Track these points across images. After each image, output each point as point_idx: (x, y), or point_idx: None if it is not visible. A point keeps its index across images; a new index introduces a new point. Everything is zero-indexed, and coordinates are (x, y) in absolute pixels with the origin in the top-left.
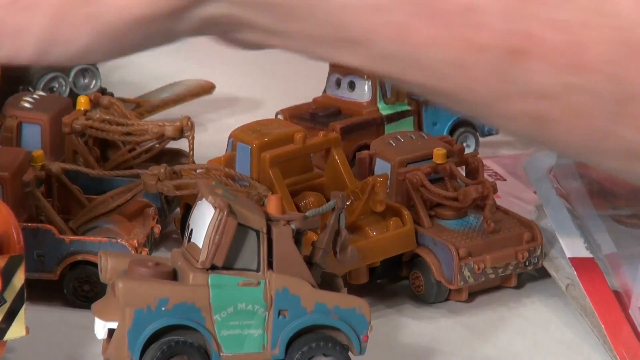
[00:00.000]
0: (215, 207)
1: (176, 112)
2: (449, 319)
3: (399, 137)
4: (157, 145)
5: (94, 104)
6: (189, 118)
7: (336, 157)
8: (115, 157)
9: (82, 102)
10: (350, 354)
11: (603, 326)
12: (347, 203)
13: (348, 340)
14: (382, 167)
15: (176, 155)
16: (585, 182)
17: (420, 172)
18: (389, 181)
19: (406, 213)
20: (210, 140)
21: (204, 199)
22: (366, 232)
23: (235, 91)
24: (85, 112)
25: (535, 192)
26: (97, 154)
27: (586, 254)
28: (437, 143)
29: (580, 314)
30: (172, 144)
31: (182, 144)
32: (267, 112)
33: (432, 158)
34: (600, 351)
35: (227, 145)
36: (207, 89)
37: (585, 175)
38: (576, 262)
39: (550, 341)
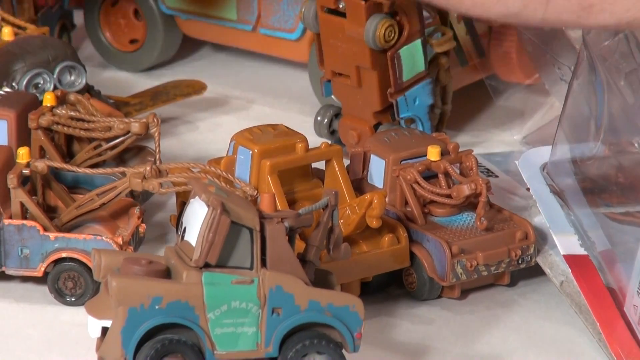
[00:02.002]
0: (208, 205)
1: (166, 111)
2: (442, 316)
3: (393, 134)
4: (123, 142)
5: (61, 100)
6: (154, 114)
7: (337, 169)
8: (81, 154)
9: (49, 98)
10: (344, 351)
11: (598, 323)
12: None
13: (342, 338)
14: (376, 163)
15: (141, 152)
16: (579, 179)
17: (414, 169)
18: (382, 178)
19: (402, 230)
20: (200, 140)
21: (197, 197)
22: (360, 247)
23: (226, 91)
24: (52, 108)
25: (528, 189)
26: (63, 150)
27: (580, 251)
28: (431, 140)
29: (575, 311)
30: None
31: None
32: (258, 112)
33: (426, 155)
34: (595, 348)
35: (229, 147)
36: (197, 88)
37: (579, 173)
38: (570, 260)
39: (544, 339)
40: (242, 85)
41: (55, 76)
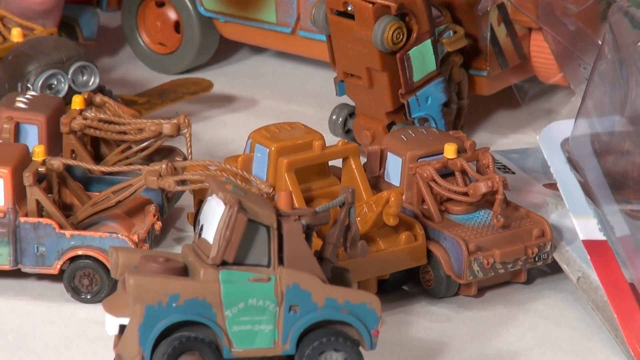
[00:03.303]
0: (225, 203)
1: (174, 110)
2: (459, 314)
3: (410, 131)
4: (154, 143)
5: (87, 102)
6: (185, 115)
7: (354, 167)
8: (110, 156)
9: (77, 101)
10: (361, 349)
11: (616, 316)
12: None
13: (359, 335)
14: (393, 161)
15: (170, 153)
16: (600, 164)
17: (431, 167)
18: (399, 176)
19: (419, 227)
20: (217, 138)
21: (214, 195)
22: (377, 245)
23: (243, 89)
24: (81, 111)
25: (545, 185)
26: (92, 153)
27: (600, 236)
28: (448, 138)
29: (592, 307)
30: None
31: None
32: (275, 110)
33: (443, 153)
34: (612, 346)
35: (246, 146)
36: (205, 86)
37: (598, 165)
38: (589, 245)
39: (560, 336)
40: (259, 83)
41: (69, 76)
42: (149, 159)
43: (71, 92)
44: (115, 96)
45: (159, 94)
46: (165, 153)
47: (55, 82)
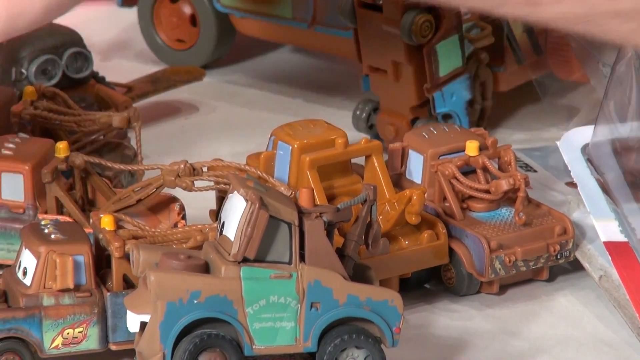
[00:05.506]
0: (246, 200)
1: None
2: (480, 312)
3: (432, 129)
4: (102, 137)
5: (39, 94)
6: (135, 109)
7: (376, 165)
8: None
9: (29, 92)
10: (382, 346)
11: (638, 315)
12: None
13: (380, 333)
14: (415, 159)
15: (119, 147)
16: (621, 167)
17: (453, 165)
18: (421, 173)
19: (441, 226)
20: (238, 135)
21: (235, 192)
22: (400, 243)
23: (264, 85)
24: (32, 102)
25: (567, 184)
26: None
27: (621, 237)
28: (470, 136)
29: (614, 305)
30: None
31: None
32: (297, 106)
33: (464, 150)
34: (634, 343)
35: (268, 143)
36: (197, 75)
37: (619, 167)
38: (610, 247)
39: (582, 334)
40: (279, 80)
41: (63, 62)
42: (98, 153)
43: (65, 78)
44: (108, 82)
45: (151, 81)
46: (114, 147)
47: (50, 68)
